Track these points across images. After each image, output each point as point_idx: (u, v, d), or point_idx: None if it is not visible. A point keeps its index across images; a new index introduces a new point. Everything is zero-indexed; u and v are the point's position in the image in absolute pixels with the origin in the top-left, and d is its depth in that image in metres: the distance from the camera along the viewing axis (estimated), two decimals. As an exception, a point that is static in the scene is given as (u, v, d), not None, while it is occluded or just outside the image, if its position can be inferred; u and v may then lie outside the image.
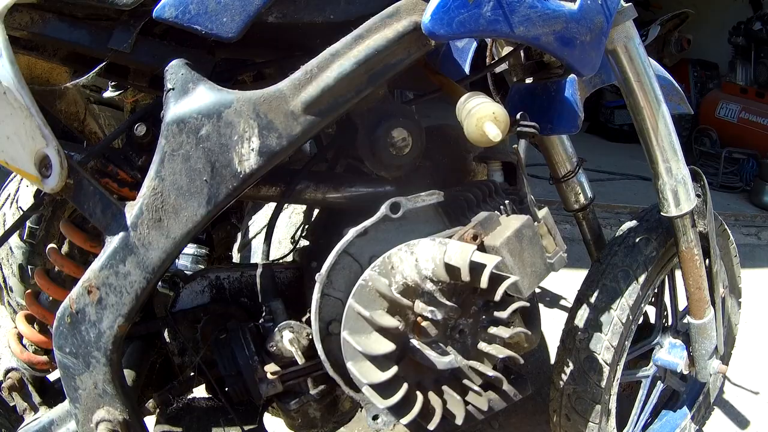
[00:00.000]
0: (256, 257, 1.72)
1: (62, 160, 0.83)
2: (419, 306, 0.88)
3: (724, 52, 7.37)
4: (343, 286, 0.91)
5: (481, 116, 0.87)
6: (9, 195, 1.80)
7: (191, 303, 1.10)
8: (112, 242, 0.83)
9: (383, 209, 0.89)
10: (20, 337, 1.09)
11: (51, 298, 1.03)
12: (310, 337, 0.96)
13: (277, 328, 0.97)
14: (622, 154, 6.19)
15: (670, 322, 1.72)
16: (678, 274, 1.55)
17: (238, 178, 0.84)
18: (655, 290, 1.58)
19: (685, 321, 1.63)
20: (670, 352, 1.61)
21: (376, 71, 0.88)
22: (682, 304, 1.66)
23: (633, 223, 1.55)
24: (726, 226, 1.74)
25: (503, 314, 0.91)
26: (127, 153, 0.99)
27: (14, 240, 1.78)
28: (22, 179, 1.77)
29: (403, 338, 0.89)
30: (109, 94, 1.71)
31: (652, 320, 1.69)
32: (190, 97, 0.84)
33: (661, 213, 1.39)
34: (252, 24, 0.86)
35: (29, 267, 1.83)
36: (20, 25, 0.89)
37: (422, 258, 0.88)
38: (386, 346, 0.85)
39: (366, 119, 0.93)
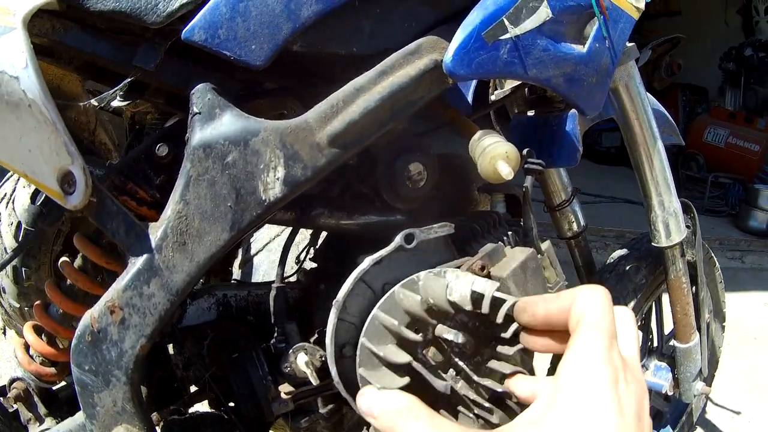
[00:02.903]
0: (258, 274, 1.75)
1: (87, 179, 0.84)
2: (424, 337, 0.91)
3: (714, 77, 7.49)
4: (356, 311, 0.93)
5: (495, 155, 0.92)
6: (5, 195, 1.80)
7: (198, 319, 1.12)
8: (136, 263, 0.84)
9: (398, 240, 0.92)
10: (27, 347, 1.10)
11: (61, 311, 1.04)
12: (323, 358, 0.99)
13: (291, 350, 0.99)
14: (609, 177, 6.28)
15: (655, 345, 1.77)
16: (665, 298, 1.60)
17: (263, 205, 0.86)
18: (643, 315, 1.63)
19: (670, 344, 1.68)
20: (655, 374, 1.66)
21: (399, 107, 0.91)
22: (667, 327, 1.72)
23: (624, 251, 1.60)
24: (712, 254, 1.80)
25: (506, 334, 0.94)
26: (146, 171, 1.00)
27: (8, 240, 1.78)
28: (19, 179, 1.77)
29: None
30: (115, 102, 1.72)
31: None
32: (216, 122, 0.86)
33: (653, 243, 1.44)
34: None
35: (23, 269, 1.83)
36: (41, 31, 0.88)
37: (424, 292, 0.91)
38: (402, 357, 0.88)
39: (384, 152, 0.96)
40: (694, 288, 1.59)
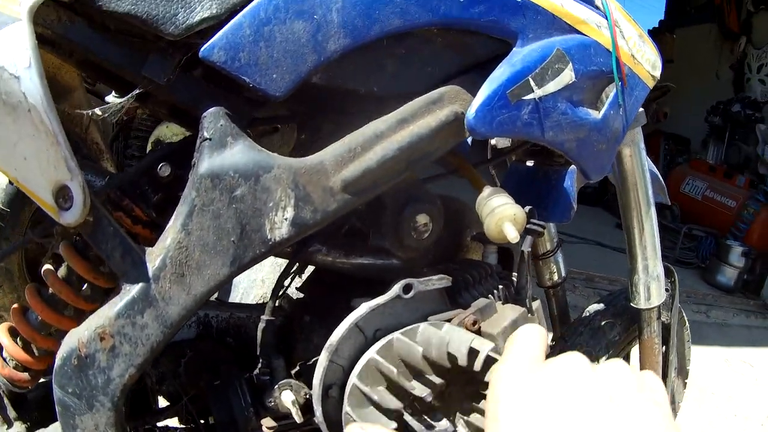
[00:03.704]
0: (237, 292, 1.72)
1: (86, 198, 0.79)
2: (416, 386, 0.91)
3: (699, 128, 7.57)
4: (347, 354, 0.93)
5: (503, 217, 0.91)
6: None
7: (176, 336, 1.09)
8: (131, 291, 0.81)
9: (396, 289, 0.92)
10: (0, 349, 1.06)
11: (40, 318, 1.01)
12: (308, 396, 0.98)
13: (277, 386, 0.98)
14: (583, 217, 6.28)
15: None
16: (633, 351, 1.63)
17: (267, 244, 0.83)
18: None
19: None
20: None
21: (416, 158, 0.90)
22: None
23: (600, 306, 1.62)
24: (684, 314, 1.82)
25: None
26: (143, 189, 0.96)
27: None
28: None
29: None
30: (111, 98, 1.69)
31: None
32: (227, 152, 0.83)
33: (631, 304, 1.45)
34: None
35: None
36: (45, 21, 0.82)
37: (423, 344, 0.91)
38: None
39: (393, 200, 0.95)
40: (664, 348, 1.61)
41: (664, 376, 1.61)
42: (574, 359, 0.54)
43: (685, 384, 2.03)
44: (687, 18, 8.66)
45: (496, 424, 0.50)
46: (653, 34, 8.83)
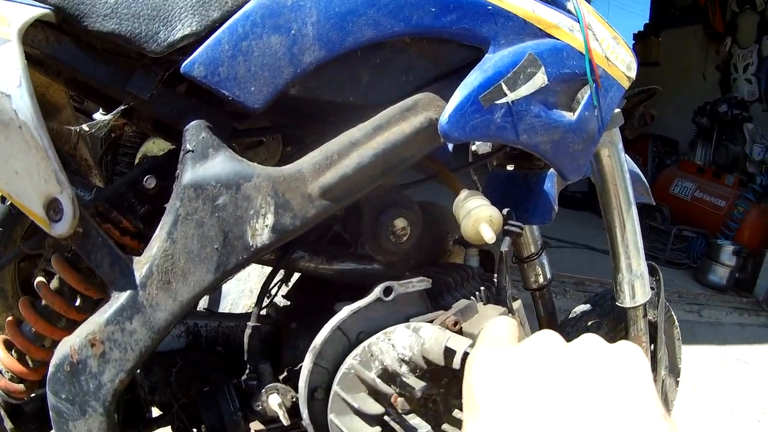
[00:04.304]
0: (226, 302, 1.74)
1: (75, 210, 0.82)
2: (395, 390, 0.93)
3: (686, 130, 7.57)
4: (331, 357, 0.95)
5: (479, 218, 0.94)
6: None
7: (167, 346, 1.11)
8: (120, 298, 0.84)
9: (377, 292, 0.94)
10: (-5, 360, 1.08)
11: (34, 329, 1.03)
12: (294, 399, 1.00)
13: (264, 389, 1.00)
14: (572, 222, 6.28)
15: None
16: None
17: (249, 251, 0.86)
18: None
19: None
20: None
21: (391, 164, 0.93)
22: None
23: (587, 306, 1.64)
24: (673, 313, 1.84)
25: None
26: (130, 201, 0.99)
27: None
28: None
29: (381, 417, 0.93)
30: (98, 116, 1.71)
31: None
32: (209, 163, 0.86)
33: (617, 303, 1.47)
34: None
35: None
36: (33, 41, 0.85)
37: (400, 346, 0.93)
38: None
39: (370, 205, 0.97)
40: (652, 346, 1.63)
41: (654, 375, 1.64)
42: (546, 336, 0.53)
43: (677, 382, 2.05)
44: (672, 20, 8.70)
45: (476, 407, 0.50)
46: (639, 37, 8.89)
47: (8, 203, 1.85)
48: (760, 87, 7.22)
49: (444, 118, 0.92)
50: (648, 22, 9.34)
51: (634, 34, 9.00)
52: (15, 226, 2.00)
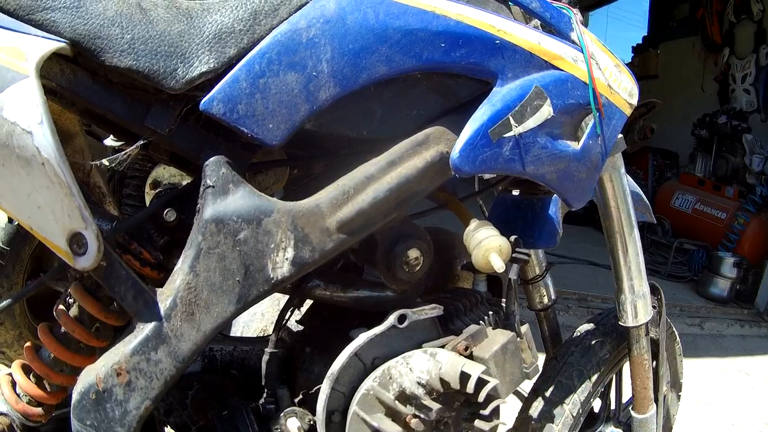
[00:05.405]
0: (238, 325, 1.78)
1: (99, 244, 0.84)
2: (413, 410, 0.97)
3: (686, 142, 7.53)
4: (347, 381, 0.99)
5: (489, 248, 0.98)
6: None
7: (184, 369, 1.14)
8: (145, 330, 0.87)
9: (392, 320, 0.98)
10: (13, 383, 1.10)
11: (53, 355, 1.05)
12: (312, 422, 1.03)
13: (283, 413, 1.04)
14: (574, 237, 6.23)
15: (612, 412, 1.83)
16: (625, 367, 1.67)
17: (269, 283, 0.90)
18: (604, 385, 1.70)
19: (627, 412, 1.74)
20: (610, 441, 1.72)
21: (405, 197, 0.96)
22: (625, 395, 1.78)
23: (590, 325, 1.67)
24: (674, 329, 1.87)
25: (485, 411, 1.00)
26: (150, 233, 1.02)
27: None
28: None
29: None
30: (109, 141, 1.74)
31: (596, 409, 1.80)
32: (230, 198, 0.89)
33: (619, 322, 1.50)
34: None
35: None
36: (49, 74, 0.86)
37: (418, 370, 0.97)
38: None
39: (385, 237, 1.01)
40: (654, 363, 1.66)
41: (656, 390, 1.66)
42: None
43: (679, 396, 2.08)
44: (670, 32, 8.72)
45: None
46: (637, 51, 8.90)
47: (16, 222, 1.87)
48: (758, 97, 7.21)
49: (455, 152, 0.95)
50: (646, 35, 9.37)
51: (632, 47, 9.02)
52: (23, 245, 2.03)
